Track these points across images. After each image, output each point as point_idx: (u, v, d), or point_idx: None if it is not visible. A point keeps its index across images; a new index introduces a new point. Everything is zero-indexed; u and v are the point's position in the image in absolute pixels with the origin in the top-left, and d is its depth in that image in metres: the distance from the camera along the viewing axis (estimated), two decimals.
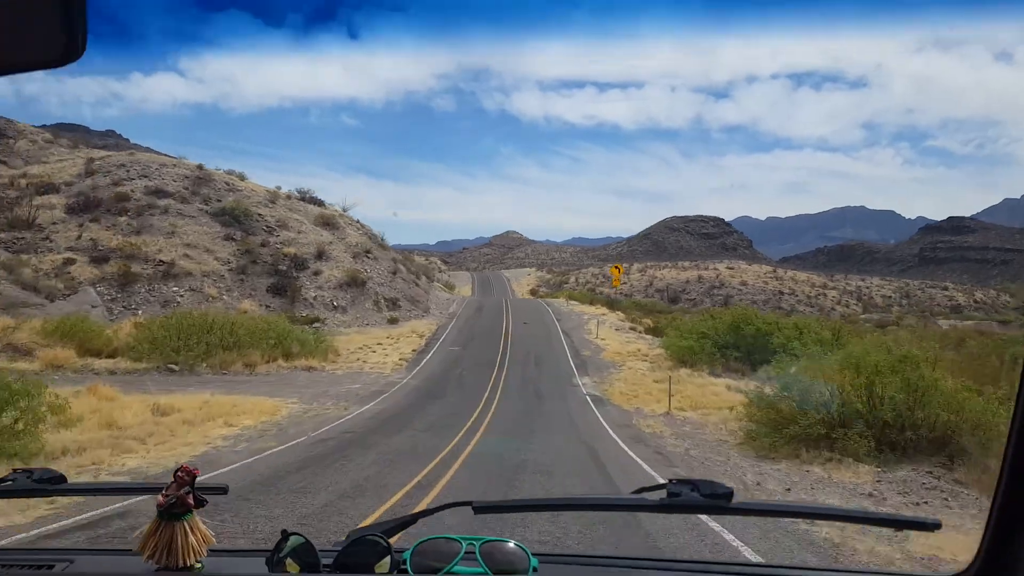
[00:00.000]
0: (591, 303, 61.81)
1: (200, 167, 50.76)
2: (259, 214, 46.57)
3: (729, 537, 7.10)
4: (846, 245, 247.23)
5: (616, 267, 70.32)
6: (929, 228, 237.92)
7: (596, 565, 1.42)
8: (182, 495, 1.30)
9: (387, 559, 1.27)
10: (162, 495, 1.31)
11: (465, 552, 1.24)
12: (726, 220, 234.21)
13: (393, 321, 41.93)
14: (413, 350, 33.05)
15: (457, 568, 1.22)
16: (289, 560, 1.28)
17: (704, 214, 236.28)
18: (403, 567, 1.26)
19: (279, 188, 55.71)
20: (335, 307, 41.20)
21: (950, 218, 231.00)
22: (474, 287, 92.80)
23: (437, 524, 1.60)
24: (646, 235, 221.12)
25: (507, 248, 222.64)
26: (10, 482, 1.36)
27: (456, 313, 49.64)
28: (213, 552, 1.32)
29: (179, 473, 1.32)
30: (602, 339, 38.78)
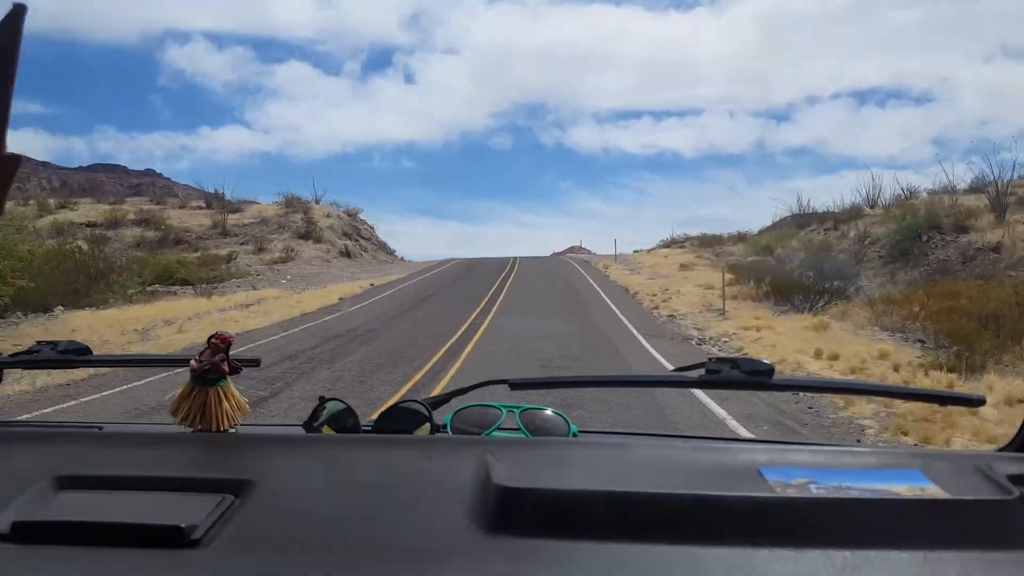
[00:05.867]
0: None
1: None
2: None
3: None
4: None
5: None
6: None
7: (632, 435, 1.40)
8: (216, 361, 1.27)
9: (427, 425, 1.23)
10: (196, 360, 1.28)
11: (504, 419, 1.24)
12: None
13: None
14: None
15: (497, 433, 1.21)
16: (326, 426, 1.23)
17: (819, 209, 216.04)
18: (443, 431, 1.24)
19: None
20: None
21: None
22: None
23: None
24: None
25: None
26: (35, 353, 1.36)
27: None
28: (246, 424, 1.29)
29: (214, 340, 1.28)
30: None
